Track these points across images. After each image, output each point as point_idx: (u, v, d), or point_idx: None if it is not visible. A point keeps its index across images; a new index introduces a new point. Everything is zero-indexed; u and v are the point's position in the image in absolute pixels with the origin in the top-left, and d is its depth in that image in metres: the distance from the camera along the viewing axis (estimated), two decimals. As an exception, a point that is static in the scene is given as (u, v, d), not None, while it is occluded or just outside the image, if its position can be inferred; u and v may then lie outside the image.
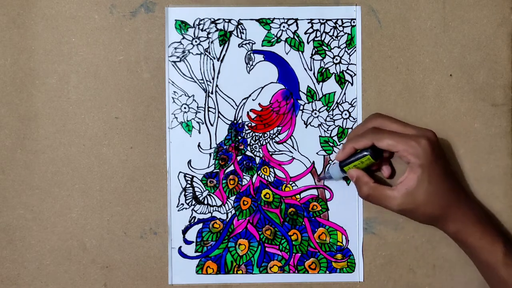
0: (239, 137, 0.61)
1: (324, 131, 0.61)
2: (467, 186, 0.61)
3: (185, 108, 0.61)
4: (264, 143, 0.61)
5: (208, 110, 0.61)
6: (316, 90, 0.61)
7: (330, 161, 0.61)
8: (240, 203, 0.61)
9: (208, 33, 0.61)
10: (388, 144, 0.54)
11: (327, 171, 0.60)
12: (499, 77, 0.61)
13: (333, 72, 0.61)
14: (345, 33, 0.61)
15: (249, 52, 0.61)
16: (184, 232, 0.61)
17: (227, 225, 0.61)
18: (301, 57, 0.61)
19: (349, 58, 0.61)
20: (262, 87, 0.61)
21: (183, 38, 0.61)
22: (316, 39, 0.61)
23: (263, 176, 0.61)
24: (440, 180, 0.54)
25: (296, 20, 0.61)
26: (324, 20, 0.61)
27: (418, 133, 0.55)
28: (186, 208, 0.61)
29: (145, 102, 0.61)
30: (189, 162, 0.61)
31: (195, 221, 0.61)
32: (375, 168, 0.60)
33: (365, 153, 0.56)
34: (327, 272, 0.61)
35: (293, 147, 0.61)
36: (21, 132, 0.61)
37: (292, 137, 0.61)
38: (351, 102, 0.61)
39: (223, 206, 0.61)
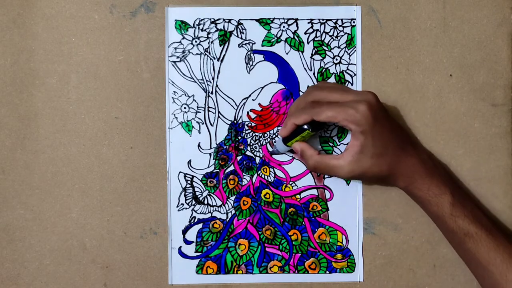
0: (239, 137, 0.61)
1: (324, 131, 0.61)
2: (467, 186, 0.61)
3: (185, 108, 0.61)
4: (264, 143, 0.61)
5: (208, 110, 0.61)
6: (316, 90, 0.61)
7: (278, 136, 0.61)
8: (240, 203, 0.61)
9: (208, 33, 0.61)
10: (327, 116, 0.54)
11: (274, 146, 0.60)
12: (499, 77, 0.61)
13: (333, 72, 0.61)
14: (345, 33, 0.61)
15: (249, 52, 0.61)
16: (184, 232, 0.61)
17: (227, 225, 0.61)
18: (301, 57, 0.61)
19: (349, 58, 0.61)
20: (262, 87, 0.61)
21: (183, 38, 0.61)
22: (316, 39, 0.61)
23: (263, 176, 0.61)
24: (384, 141, 0.55)
25: (296, 20, 0.61)
26: (324, 20, 0.61)
27: (356, 98, 0.55)
28: (186, 208, 0.61)
29: (145, 102, 0.61)
30: (189, 162, 0.61)
31: (195, 221, 0.61)
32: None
33: (305, 127, 0.56)
34: (327, 272, 0.61)
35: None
36: (21, 132, 0.61)
37: (292, 137, 0.61)
38: (351, 102, 0.61)
39: (223, 206, 0.61)
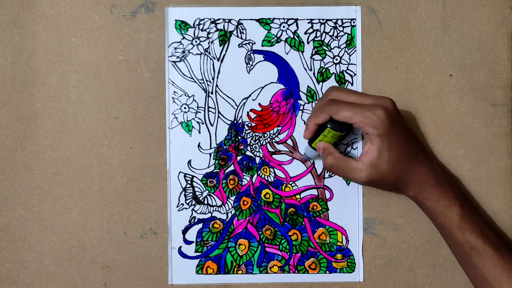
0: (239, 137, 0.61)
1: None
2: (467, 186, 0.61)
3: (185, 108, 0.61)
4: (264, 143, 0.61)
5: (208, 110, 0.61)
6: (316, 90, 0.61)
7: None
8: (240, 203, 0.61)
9: (208, 33, 0.61)
10: (344, 116, 0.54)
11: (304, 153, 0.60)
12: (499, 77, 0.61)
13: (333, 72, 0.61)
14: (345, 33, 0.61)
15: (249, 52, 0.61)
16: (184, 232, 0.61)
17: (227, 225, 0.61)
18: (301, 57, 0.61)
19: (349, 58, 0.61)
20: (262, 87, 0.61)
21: (183, 38, 0.61)
22: (316, 39, 0.61)
23: (263, 176, 0.61)
24: (399, 147, 0.54)
25: (296, 20, 0.61)
26: (324, 20, 0.61)
27: (374, 102, 0.55)
28: (186, 208, 0.61)
29: (145, 102, 0.61)
30: (189, 162, 0.61)
31: (195, 221, 0.61)
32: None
33: (327, 125, 0.56)
34: (327, 272, 0.61)
35: (293, 147, 0.61)
36: (21, 132, 0.61)
37: (292, 137, 0.61)
38: (351, 102, 0.61)
39: (223, 206, 0.61)
